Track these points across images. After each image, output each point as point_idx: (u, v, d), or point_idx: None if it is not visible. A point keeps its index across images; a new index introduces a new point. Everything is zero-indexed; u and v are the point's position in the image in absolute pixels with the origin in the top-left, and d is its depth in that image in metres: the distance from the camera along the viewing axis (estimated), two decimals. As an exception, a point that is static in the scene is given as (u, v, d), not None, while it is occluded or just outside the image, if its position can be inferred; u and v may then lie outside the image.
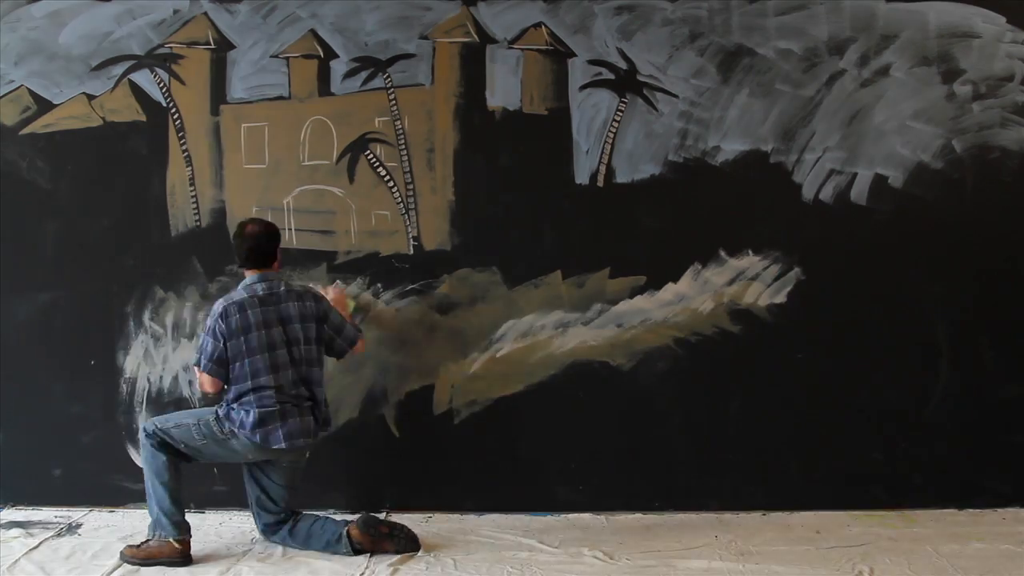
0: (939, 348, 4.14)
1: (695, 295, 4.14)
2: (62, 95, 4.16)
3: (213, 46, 4.14)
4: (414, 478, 4.19)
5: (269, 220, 3.89)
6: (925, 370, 4.14)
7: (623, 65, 4.11)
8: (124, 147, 4.16)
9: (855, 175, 4.11)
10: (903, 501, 4.12)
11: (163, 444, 3.63)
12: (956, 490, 4.13)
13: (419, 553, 3.66)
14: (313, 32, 4.13)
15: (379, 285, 4.16)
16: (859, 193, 4.11)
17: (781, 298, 4.13)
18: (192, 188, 4.17)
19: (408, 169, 4.14)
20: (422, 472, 4.19)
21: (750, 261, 4.13)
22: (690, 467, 4.17)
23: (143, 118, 4.16)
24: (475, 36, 4.12)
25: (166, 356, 4.20)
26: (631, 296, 4.14)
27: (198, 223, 4.17)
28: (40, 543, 3.78)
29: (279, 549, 3.72)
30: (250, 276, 3.69)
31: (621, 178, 4.12)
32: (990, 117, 4.11)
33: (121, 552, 3.60)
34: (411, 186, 4.15)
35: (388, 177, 4.15)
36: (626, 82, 4.12)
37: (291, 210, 4.16)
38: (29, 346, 4.20)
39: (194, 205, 4.17)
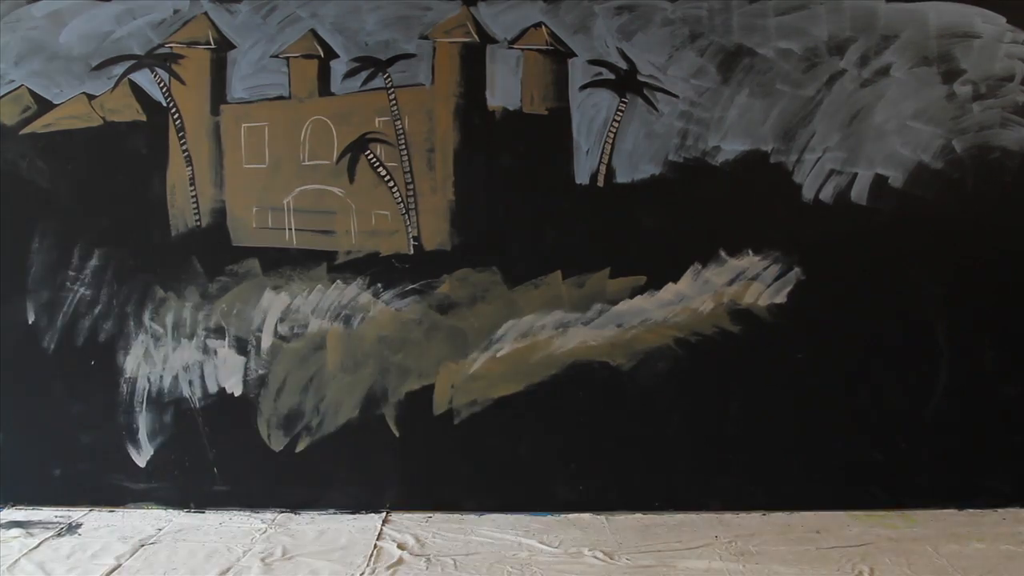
0: (939, 348, 4.14)
1: (695, 295, 4.14)
2: (62, 95, 4.16)
3: (213, 46, 4.14)
4: (414, 478, 4.19)
5: None
6: (925, 370, 4.14)
7: (623, 65, 4.11)
8: (124, 147, 4.16)
9: (855, 175, 4.11)
10: (903, 501, 4.12)
11: None
12: (956, 490, 4.14)
13: (419, 553, 3.66)
14: (313, 32, 4.13)
15: (379, 285, 4.17)
16: (859, 193, 4.11)
17: (781, 298, 4.14)
18: (192, 188, 4.17)
19: (408, 169, 4.15)
20: (422, 472, 4.19)
21: (750, 261, 4.14)
22: (690, 467, 4.17)
23: (143, 118, 4.16)
24: (475, 36, 4.12)
25: (166, 356, 4.20)
26: (631, 296, 4.14)
27: (198, 223, 4.17)
28: (40, 543, 3.78)
29: (279, 549, 3.72)
30: None
31: (621, 178, 4.12)
32: (990, 117, 4.11)
33: None
34: (411, 186, 4.15)
35: (388, 177, 4.15)
36: (626, 82, 4.12)
37: (291, 210, 4.16)
38: (29, 346, 4.20)
39: (194, 205, 4.17)
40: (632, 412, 4.16)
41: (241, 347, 4.19)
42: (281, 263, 4.16)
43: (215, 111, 4.15)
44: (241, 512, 4.15)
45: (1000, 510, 4.10)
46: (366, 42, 4.13)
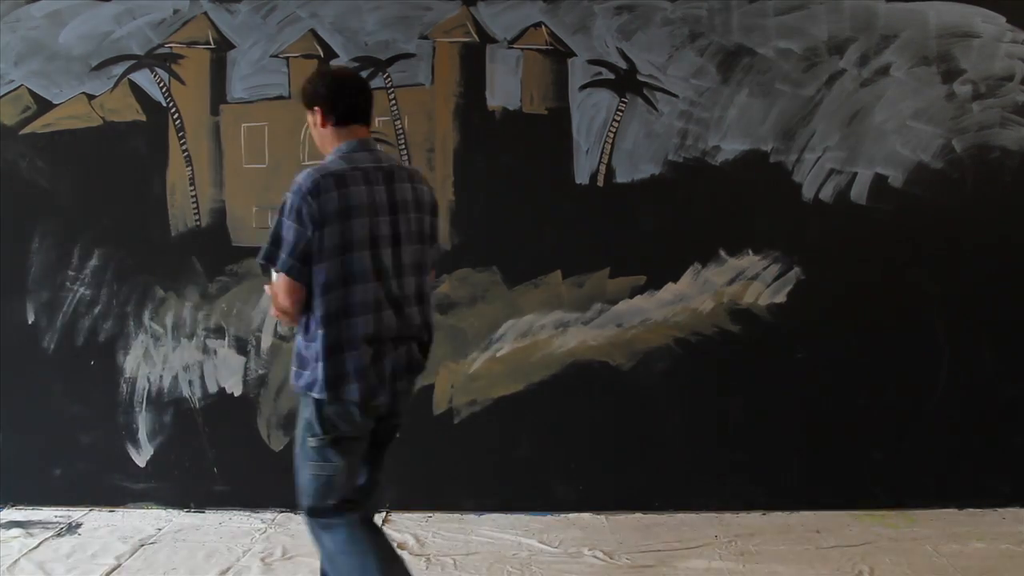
0: (939, 348, 4.14)
1: (695, 295, 4.14)
2: (62, 95, 4.16)
3: (213, 46, 4.14)
4: (414, 478, 4.19)
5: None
6: (925, 370, 4.14)
7: (623, 65, 4.11)
8: (124, 147, 4.16)
9: (855, 175, 4.11)
10: (903, 501, 4.12)
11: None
12: (956, 490, 4.14)
13: (419, 552, 3.66)
14: (313, 32, 4.13)
15: (379, 285, 4.16)
16: (859, 193, 4.11)
17: (781, 298, 4.14)
18: (192, 188, 4.17)
19: (408, 169, 4.14)
20: (422, 472, 4.19)
21: (750, 261, 4.14)
22: (690, 467, 4.17)
23: (143, 118, 4.16)
24: (475, 36, 4.12)
25: (166, 356, 4.20)
26: (631, 296, 4.14)
27: (198, 223, 4.17)
28: (40, 543, 3.78)
29: (279, 549, 3.72)
30: (347, 142, 2.66)
31: (621, 178, 4.12)
32: (990, 117, 4.11)
33: None
34: (411, 186, 4.14)
35: (388, 177, 4.14)
36: (626, 82, 4.12)
37: (291, 210, 4.16)
38: (29, 346, 4.20)
39: (194, 205, 4.17)
40: (632, 412, 4.16)
41: (241, 347, 4.19)
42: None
43: (215, 111, 4.15)
44: (241, 512, 4.15)
45: (1000, 510, 4.10)
46: (366, 42, 4.13)
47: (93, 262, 4.18)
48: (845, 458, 4.15)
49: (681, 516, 4.09)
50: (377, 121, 4.13)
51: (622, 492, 4.16)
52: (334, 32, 4.13)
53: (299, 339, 2.65)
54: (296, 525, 4.01)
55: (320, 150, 2.75)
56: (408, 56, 4.12)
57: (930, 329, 4.14)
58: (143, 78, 4.16)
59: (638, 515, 4.11)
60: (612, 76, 4.12)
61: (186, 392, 4.21)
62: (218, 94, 4.14)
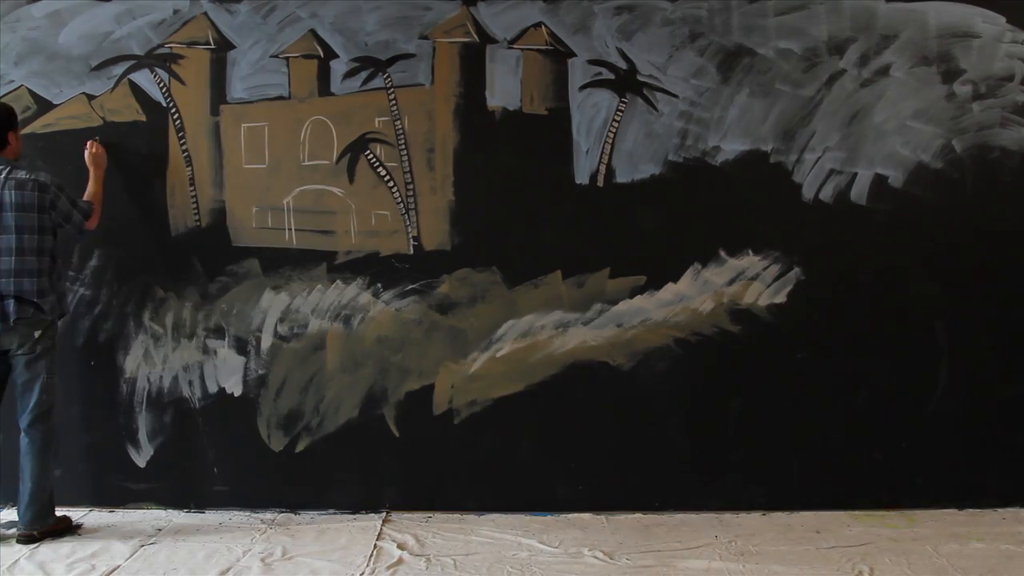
0: (939, 348, 4.14)
1: (695, 295, 4.14)
2: (62, 95, 4.16)
3: (213, 46, 4.14)
4: (414, 478, 4.19)
5: (5, 104, 3.93)
6: (925, 370, 4.14)
7: (623, 65, 4.11)
8: (124, 147, 4.16)
9: (855, 175, 4.11)
10: (903, 501, 4.13)
11: None
12: (956, 490, 4.14)
13: (419, 553, 3.66)
14: (313, 32, 4.13)
15: (379, 285, 4.17)
16: (859, 193, 4.11)
17: (781, 298, 4.14)
18: (192, 188, 4.17)
19: (408, 169, 4.15)
20: (422, 472, 4.19)
21: (750, 261, 4.14)
22: (690, 467, 4.17)
23: (143, 118, 4.16)
24: (475, 36, 4.12)
25: (166, 356, 4.20)
26: (631, 296, 4.14)
27: (198, 223, 4.17)
28: (40, 543, 3.78)
29: (279, 549, 3.72)
30: None
31: (621, 178, 4.12)
32: (990, 117, 4.11)
33: None
34: (411, 186, 4.15)
35: (388, 177, 4.15)
36: (626, 82, 4.12)
37: (291, 210, 4.16)
38: (29, 346, 4.20)
39: (194, 205, 4.17)
40: (632, 412, 4.16)
41: (241, 347, 4.19)
42: (281, 263, 4.16)
43: (215, 111, 4.15)
44: (241, 512, 4.16)
45: (1000, 510, 4.10)
46: (366, 42, 4.13)
47: (93, 262, 4.18)
48: (845, 458, 4.15)
49: (681, 516, 4.09)
50: (377, 121, 4.13)
51: (622, 492, 4.16)
52: (334, 32, 4.13)
53: None
54: (296, 525, 4.02)
55: None
56: (408, 56, 4.12)
57: (930, 329, 4.14)
58: (143, 78, 4.16)
59: (638, 515, 4.11)
60: (612, 76, 4.12)
61: (186, 392, 4.21)
62: (218, 94, 4.15)
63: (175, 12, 4.14)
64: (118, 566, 3.57)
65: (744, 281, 4.14)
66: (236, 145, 4.16)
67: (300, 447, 4.19)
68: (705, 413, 4.17)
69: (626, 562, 3.58)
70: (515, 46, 4.12)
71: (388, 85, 4.13)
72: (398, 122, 4.14)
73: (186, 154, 4.17)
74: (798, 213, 4.12)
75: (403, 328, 4.17)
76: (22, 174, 3.79)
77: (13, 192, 3.75)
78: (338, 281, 4.16)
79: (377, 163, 4.15)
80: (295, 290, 4.17)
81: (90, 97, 4.16)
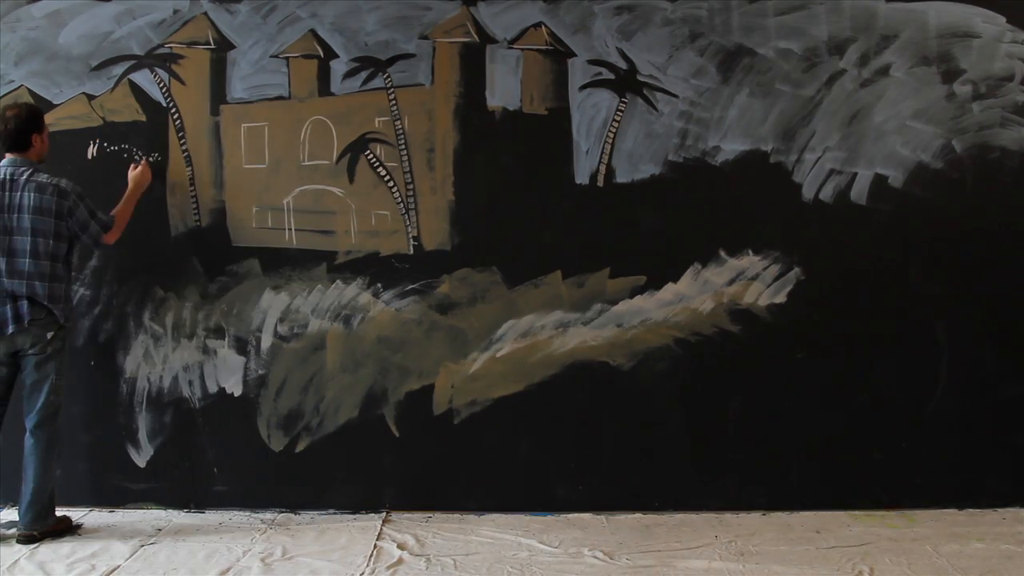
0: (939, 348, 4.14)
1: (695, 295, 4.14)
2: (62, 95, 4.16)
3: (213, 46, 4.14)
4: (414, 478, 4.19)
5: (34, 105, 3.96)
6: (925, 370, 4.14)
7: (623, 65, 4.12)
8: (124, 147, 4.16)
9: (855, 175, 4.12)
10: (903, 501, 4.13)
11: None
12: (956, 490, 4.14)
13: (419, 553, 3.66)
14: (313, 32, 4.13)
15: (379, 285, 4.17)
16: (859, 193, 4.12)
17: (781, 298, 4.14)
18: (192, 188, 4.17)
19: (408, 169, 4.15)
20: (422, 472, 4.19)
21: (750, 261, 4.14)
22: (690, 467, 4.17)
23: (143, 118, 4.16)
24: (475, 36, 4.12)
25: (166, 356, 4.20)
26: (631, 296, 4.15)
27: (198, 223, 4.17)
28: (40, 543, 3.78)
29: (279, 549, 3.72)
30: (5, 159, 3.80)
31: (621, 178, 4.12)
32: (990, 117, 4.11)
33: None
34: (411, 186, 4.15)
35: (388, 177, 4.15)
36: (626, 82, 4.12)
37: (291, 210, 4.16)
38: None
39: (194, 205, 4.17)
40: (632, 412, 4.16)
41: (241, 347, 4.19)
42: (281, 263, 4.16)
43: (215, 111, 4.15)
44: (241, 512, 4.16)
45: (1000, 510, 4.10)
46: (366, 42, 4.13)
47: (93, 262, 4.18)
48: (845, 458, 4.15)
49: (681, 516, 4.09)
50: (377, 121, 4.13)
51: (622, 492, 4.16)
52: (334, 32, 4.13)
53: None
54: (296, 525, 4.02)
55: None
56: (408, 56, 4.13)
57: (930, 329, 4.14)
58: (143, 78, 4.16)
59: (638, 515, 4.11)
60: (612, 76, 4.12)
61: (186, 392, 4.21)
62: (218, 94, 4.15)
63: (175, 12, 4.14)
64: (118, 566, 3.57)
65: (744, 281, 4.14)
66: (236, 145, 4.16)
67: (300, 447, 4.19)
68: (705, 413, 4.17)
69: (626, 562, 3.58)
70: (515, 46, 4.12)
71: (388, 85, 4.13)
72: (398, 122, 4.14)
73: (186, 154, 4.17)
74: (798, 213, 4.12)
75: (403, 328, 4.17)
76: (43, 177, 3.78)
77: (33, 195, 3.73)
78: (338, 281, 4.16)
79: (377, 163, 4.15)
80: (295, 290, 4.17)
81: (90, 97, 4.16)
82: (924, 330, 4.14)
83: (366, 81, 4.13)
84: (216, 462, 4.19)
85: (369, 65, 4.13)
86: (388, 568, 3.52)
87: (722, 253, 4.14)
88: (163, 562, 3.61)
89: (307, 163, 4.16)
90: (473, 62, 4.12)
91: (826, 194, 4.12)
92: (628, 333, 4.15)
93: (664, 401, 4.16)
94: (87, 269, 4.18)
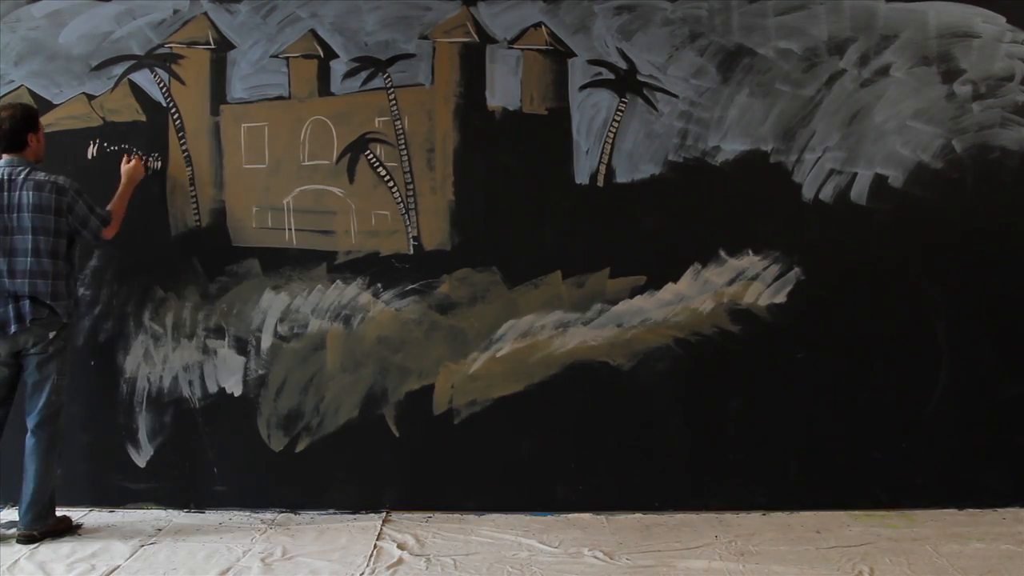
0: (939, 348, 4.14)
1: (695, 295, 4.14)
2: (62, 95, 4.16)
3: (213, 46, 4.14)
4: (414, 478, 4.19)
5: (28, 105, 3.96)
6: (925, 370, 4.14)
7: (623, 65, 4.12)
8: (124, 147, 4.16)
9: (855, 175, 4.12)
10: (903, 501, 4.13)
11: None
12: (956, 490, 4.14)
13: (419, 553, 3.66)
14: (313, 32, 4.13)
15: (379, 285, 4.17)
16: (859, 193, 4.12)
17: (781, 298, 4.14)
18: (192, 188, 4.17)
19: (408, 169, 4.15)
20: (422, 472, 4.19)
21: (750, 261, 4.14)
22: (690, 467, 4.17)
23: (143, 118, 4.16)
24: (475, 36, 4.12)
25: (166, 356, 4.19)
26: (631, 296, 4.15)
27: (198, 223, 4.17)
28: (40, 543, 3.78)
29: (279, 549, 3.72)
30: (3, 160, 3.81)
31: (621, 178, 4.12)
32: (990, 117, 4.11)
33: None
34: (411, 186, 4.15)
35: (388, 177, 4.15)
36: (626, 82, 4.12)
37: (291, 210, 4.16)
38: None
39: (194, 205, 4.17)
40: (632, 412, 4.16)
41: (241, 347, 4.19)
42: (281, 263, 4.16)
43: (215, 111, 4.15)
44: (241, 512, 4.15)
45: (1000, 510, 4.10)
46: (366, 42, 4.13)
47: (93, 262, 4.18)
48: (845, 458, 4.15)
49: (681, 516, 4.09)
50: (377, 121, 4.13)
51: (622, 492, 4.16)
52: (334, 32, 4.13)
53: None
54: (296, 525, 4.01)
55: None
56: (408, 56, 4.13)
57: (930, 329, 4.14)
58: (143, 78, 4.16)
59: (638, 515, 4.11)
60: (612, 76, 4.12)
61: (186, 392, 4.21)
62: (218, 94, 4.15)
63: (175, 12, 4.14)
64: (118, 566, 3.57)
65: (744, 281, 4.14)
66: (236, 145, 4.16)
67: (300, 447, 4.19)
68: (705, 413, 4.17)
69: (626, 562, 3.58)
70: (515, 46, 4.12)
71: (388, 85, 4.13)
72: (398, 122, 4.14)
73: (186, 154, 4.17)
74: (798, 213, 4.12)
75: (403, 328, 4.17)
76: (41, 176, 3.78)
77: (31, 193, 3.73)
78: (338, 281, 4.16)
79: (377, 163, 4.15)
80: (295, 290, 4.17)
81: (90, 97, 4.16)
82: (924, 330, 4.14)
83: (366, 81, 4.13)
84: (216, 462, 4.19)
85: (369, 65, 4.13)
86: (388, 568, 3.52)
87: (722, 253, 4.14)
88: (163, 562, 3.61)
89: (307, 163, 4.16)
90: (473, 62, 4.12)
91: (826, 194, 4.12)
92: (628, 333, 4.15)
93: (664, 401, 4.16)
94: (87, 269, 4.18)
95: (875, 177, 4.11)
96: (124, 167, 4.05)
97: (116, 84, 4.16)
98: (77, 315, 3.98)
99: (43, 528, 3.79)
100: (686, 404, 4.17)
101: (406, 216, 4.15)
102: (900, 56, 4.10)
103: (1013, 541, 3.76)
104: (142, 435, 4.19)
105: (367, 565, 3.56)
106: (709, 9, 4.09)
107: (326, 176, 4.15)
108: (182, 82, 4.15)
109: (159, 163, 4.14)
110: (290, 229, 4.16)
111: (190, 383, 4.20)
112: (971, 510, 4.10)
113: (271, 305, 4.17)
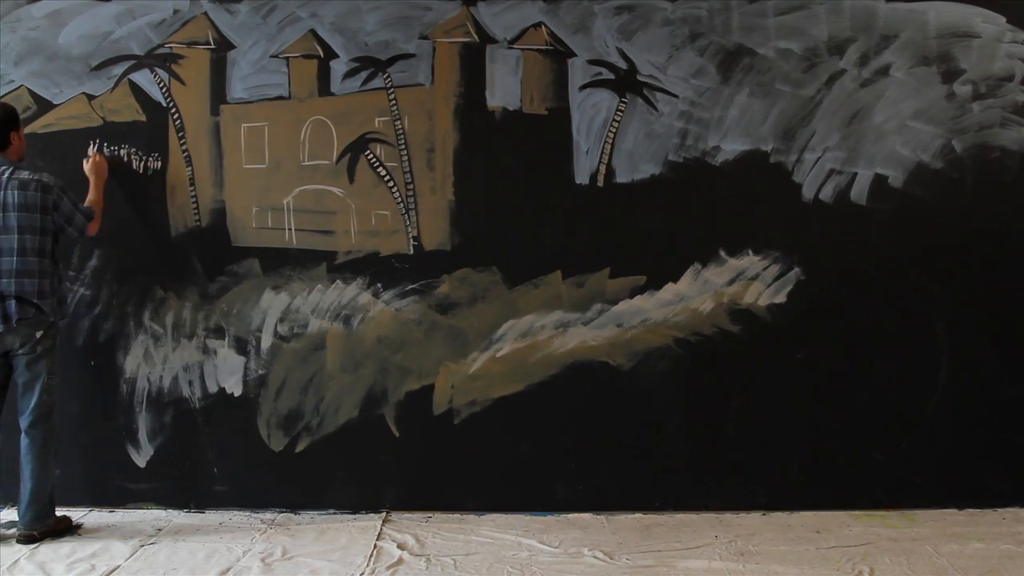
0: (939, 348, 4.14)
1: (695, 295, 4.14)
2: (62, 95, 4.16)
3: (213, 46, 4.14)
4: (414, 478, 4.19)
5: (7, 104, 3.93)
6: (925, 370, 4.14)
7: (623, 65, 4.12)
8: (124, 147, 4.16)
9: (855, 175, 4.12)
10: (903, 501, 4.13)
11: None
12: (956, 490, 4.14)
13: (419, 553, 3.66)
14: (313, 32, 4.13)
15: (379, 285, 4.17)
16: (859, 193, 4.12)
17: (781, 298, 4.14)
18: (192, 188, 4.17)
19: (408, 169, 4.15)
20: (422, 472, 4.19)
21: (750, 261, 4.14)
22: (690, 467, 4.17)
23: (143, 118, 4.16)
24: (475, 36, 4.12)
25: (166, 356, 4.20)
26: (631, 296, 4.14)
27: (198, 223, 4.17)
28: (40, 543, 3.78)
29: (279, 549, 3.72)
30: None
31: (621, 178, 4.12)
32: (990, 117, 4.11)
33: None
34: (411, 186, 4.15)
35: (388, 177, 4.15)
36: (626, 82, 4.12)
37: (291, 210, 4.16)
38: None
39: (194, 205, 4.17)
40: (632, 412, 4.16)
41: (241, 347, 4.19)
42: (281, 263, 4.16)
43: (215, 111, 4.15)
44: (241, 512, 4.16)
45: (1000, 510, 4.10)
46: (366, 42, 4.13)
47: (93, 262, 4.18)
48: (845, 458, 4.15)
49: (681, 516, 4.09)
50: (377, 121, 4.13)
51: (622, 492, 4.16)
52: (334, 32, 4.13)
53: None
54: (296, 525, 4.02)
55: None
56: (408, 56, 4.13)
57: (930, 329, 4.14)
58: (143, 78, 4.16)
59: (638, 515, 4.11)
60: (612, 76, 4.12)
61: (186, 392, 4.21)
62: (218, 94, 4.15)
63: (175, 12, 4.14)
64: (118, 566, 3.57)
65: (744, 281, 4.14)
66: (236, 145, 4.16)
67: (300, 447, 4.19)
68: (705, 413, 4.17)
69: (626, 562, 3.58)
70: (515, 46, 4.12)
71: (388, 85, 4.14)
72: (398, 122, 4.14)
73: (186, 154, 4.17)
74: (798, 213, 4.12)
75: (403, 328, 4.17)
76: (25, 174, 3.78)
77: (16, 192, 3.73)
78: (338, 281, 4.16)
79: (377, 163, 4.15)
80: (295, 290, 4.17)
81: (90, 97, 4.16)
82: (924, 330, 4.14)
83: (366, 81, 4.13)
84: (216, 462, 4.20)
85: (369, 65, 4.13)
86: (388, 568, 3.52)
87: (722, 253, 4.14)
88: (163, 562, 3.61)
89: (307, 163, 4.16)
90: (473, 62, 4.12)
91: (826, 194, 4.12)
92: (628, 333, 4.15)
93: (664, 401, 4.16)
94: (87, 269, 4.18)
95: (875, 177, 4.11)
96: (87, 167, 4.05)
97: (116, 84, 4.16)
98: (64, 313, 3.96)
99: (43, 528, 3.79)
100: (686, 404, 4.17)
101: (406, 216, 4.15)
102: (900, 56, 4.10)
103: (1013, 541, 3.76)
104: (142, 435, 4.19)
105: (367, 565, 3.56)
106: (709, 9, 4.10)
107: (326, 176, 4.15)
108: (182, 82, 4.15)
109: (159, 163, 4.14)
110: (290, 229, 4.16)
111: (190, 383, 4.20)
112: (971, 510, 4.10)
113: (271, 305, 4.17)
